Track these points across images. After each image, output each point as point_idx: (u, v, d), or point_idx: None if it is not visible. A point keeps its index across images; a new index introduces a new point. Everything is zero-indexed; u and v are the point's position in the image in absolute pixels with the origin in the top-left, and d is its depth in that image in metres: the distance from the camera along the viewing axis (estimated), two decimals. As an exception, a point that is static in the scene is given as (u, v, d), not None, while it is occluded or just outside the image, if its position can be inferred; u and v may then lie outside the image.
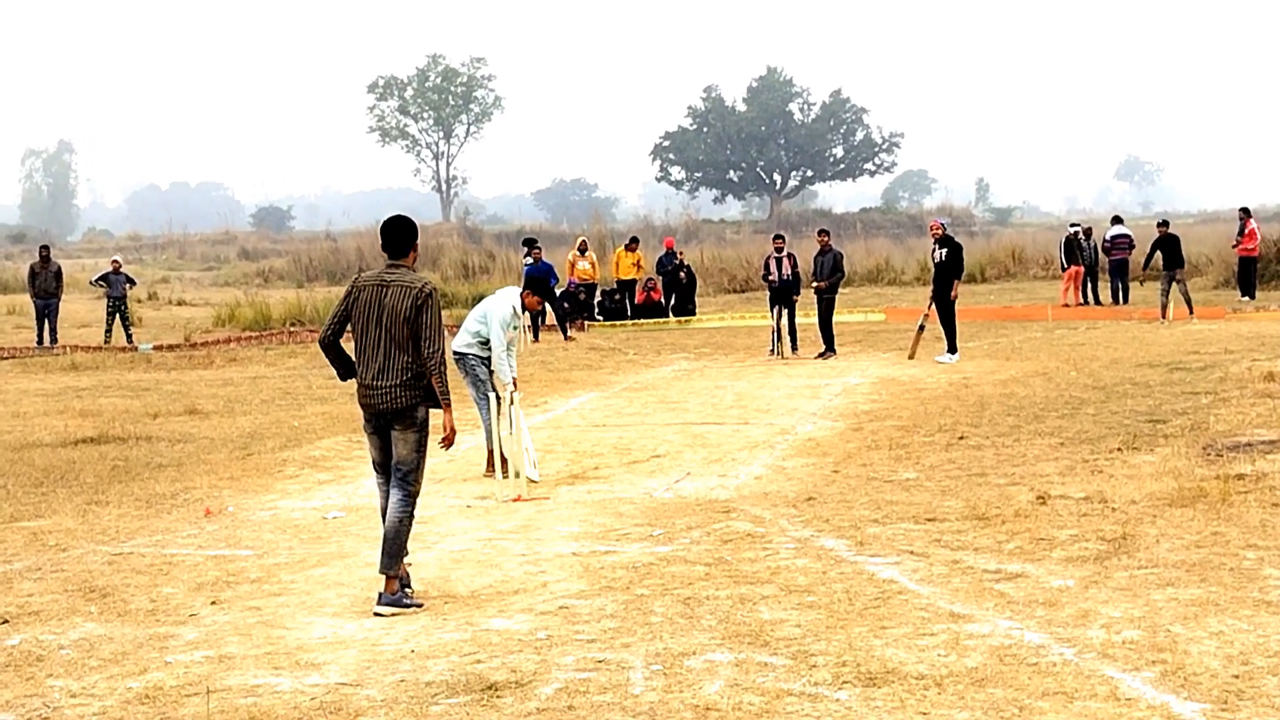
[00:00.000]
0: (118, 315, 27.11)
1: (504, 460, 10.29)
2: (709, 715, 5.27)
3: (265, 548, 8.74)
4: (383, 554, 7.19)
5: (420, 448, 7.29)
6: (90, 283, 31.24)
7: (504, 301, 11.08)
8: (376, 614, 7.01)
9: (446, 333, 7.98)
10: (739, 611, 6.73)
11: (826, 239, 21.10)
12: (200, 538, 9.09)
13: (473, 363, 11.06)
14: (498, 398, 10.52)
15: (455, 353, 10.99)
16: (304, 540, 8.96)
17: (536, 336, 25.05)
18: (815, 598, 6.92)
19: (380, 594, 7.12)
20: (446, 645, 6.41)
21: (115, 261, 28.37)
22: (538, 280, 11.99)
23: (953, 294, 18.91)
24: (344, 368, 7.47)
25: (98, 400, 17.07)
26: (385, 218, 7.64)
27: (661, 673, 5.81)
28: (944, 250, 19.05)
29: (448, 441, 7.45)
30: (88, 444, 13.20)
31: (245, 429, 14.17)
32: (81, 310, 33.54)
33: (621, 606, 6.94)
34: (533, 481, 10.58)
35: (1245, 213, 29.31)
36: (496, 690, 5.68)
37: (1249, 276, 28.48)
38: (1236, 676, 5.46)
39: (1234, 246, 29.18)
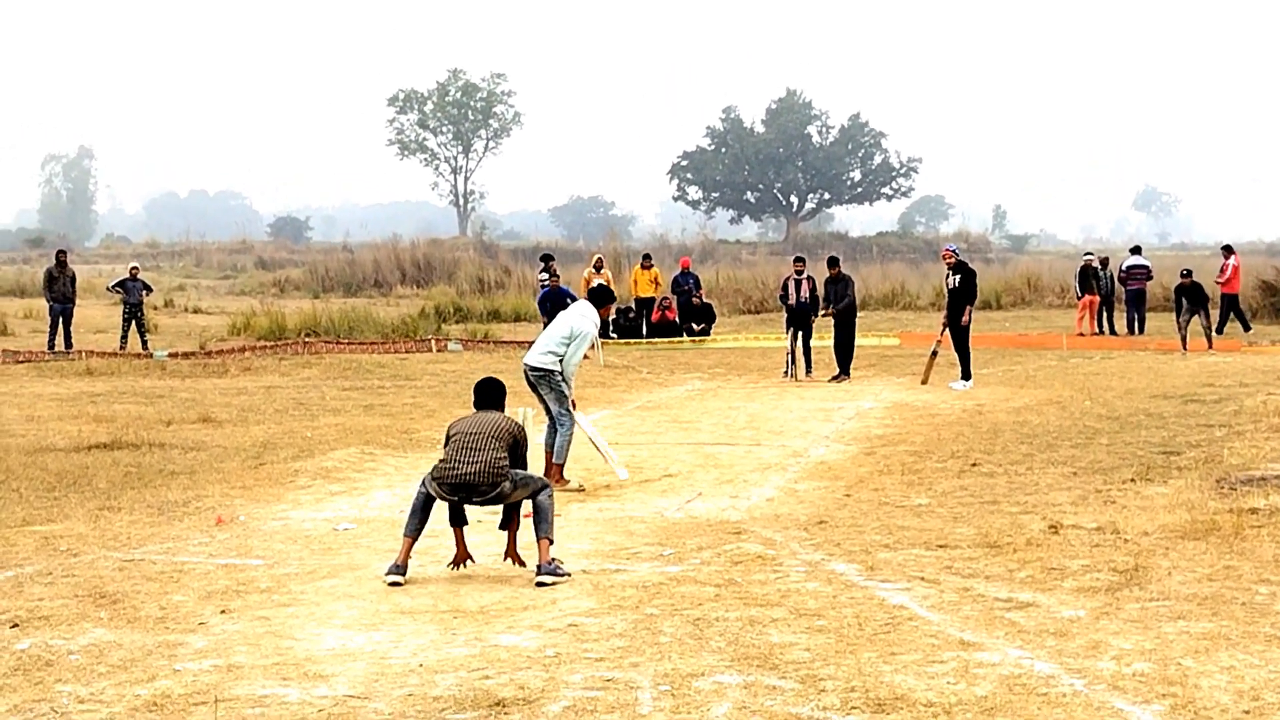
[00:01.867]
0: (133, 321, 27.18)
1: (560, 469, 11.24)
2: (716, 737, 5.26)
3: (276, 558, 8.75)
4: (538, 523, 8.09)
5: (528, 485, 8.18)
6: (107, 288, 31.35)
7: (587, 318, 11.56)
8: (538, 584, 7.80)
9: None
10: (748, 633, 6.72)
11: (837, 270, 21.11)
12: (211, 546, 9.10)
13: (558, 379, 11.34)
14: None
15: (538, 369, 11.39)
16: (314, 551, 8.97)
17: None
18: (825, 622, 6.91)
19: (539, 565, 7.94)
20: (455, 660, 6.41)
21: (133, 268, 28.47)
22: (605, 291, 12.39)
23: (964, 319, 18.88)
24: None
25: (112, 406, 17.11)
26: (478, 380, 8.76)
27: (669, 693, 5.80)
28: (958, 276, 19.04)
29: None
30: (101, 449, 13.23)
31: (258, 438, 14.19)
32: (97, 316, 33.61)
33: (630, 626, 6.93)
34: (622, 481, 11.42)
35: (1228, 250, 29.27)
36: (504, 707, 5.67)
37: (1238, 313, 28.38)
38: (1247, 712, 5.44)
39: (1217, 283, 28.63)
